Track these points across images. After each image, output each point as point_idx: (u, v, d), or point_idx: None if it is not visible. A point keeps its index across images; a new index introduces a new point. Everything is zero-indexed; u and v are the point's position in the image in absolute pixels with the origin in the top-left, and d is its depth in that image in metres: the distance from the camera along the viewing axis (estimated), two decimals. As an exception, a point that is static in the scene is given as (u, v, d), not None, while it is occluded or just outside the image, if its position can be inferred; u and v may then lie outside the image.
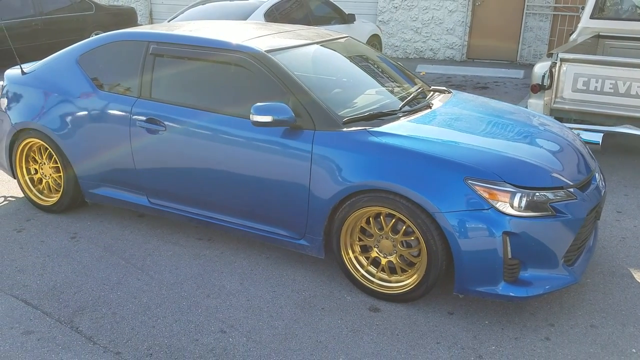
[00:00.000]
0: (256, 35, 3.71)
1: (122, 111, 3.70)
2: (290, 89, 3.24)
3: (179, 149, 3.52)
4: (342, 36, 4.23)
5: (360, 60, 4.02)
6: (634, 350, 2.78)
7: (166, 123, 3.54)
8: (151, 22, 15.07)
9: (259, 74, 3.33)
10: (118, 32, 3.88)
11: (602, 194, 3.26)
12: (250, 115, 3.10)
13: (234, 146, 3.34)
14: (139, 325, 2.91)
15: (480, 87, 9.11)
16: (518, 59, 11.47)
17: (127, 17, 12.22)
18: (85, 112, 3.84)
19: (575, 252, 3.05)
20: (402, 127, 3.20)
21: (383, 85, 3.83)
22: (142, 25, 12.57)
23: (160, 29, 3.89)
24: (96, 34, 11.47)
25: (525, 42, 11.34)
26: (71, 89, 3.92)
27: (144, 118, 3.62)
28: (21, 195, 4.59)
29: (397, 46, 12.34)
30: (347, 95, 3.54)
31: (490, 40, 11.63)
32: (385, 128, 3.16)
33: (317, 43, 3.87)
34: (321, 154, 3.11)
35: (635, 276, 3.44)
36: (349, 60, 3.94)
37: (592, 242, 3.37)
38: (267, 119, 3.08)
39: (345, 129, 3.13)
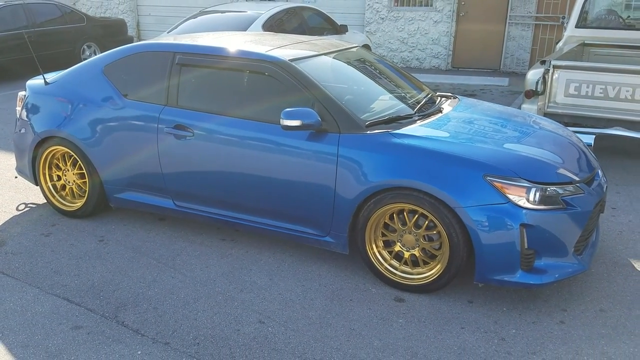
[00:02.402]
0: (277, 45, 3.92)
1: (149, 118, 3.87)
2: (315, 95, 3.46)
3: (207, 153, 3.70)
4: (353, 46, 4.47)
5: (371, 68, 4.26)
6: (640, 330, 3.04)
7: (194, 129, 3.73)
8: (138, 33, 15.18)
9: (285, 81, 3.55)
10: (143, 44, 4.06)
11: (605, 189, 3.54)
12: (280, 120, 3.31)
13: (261, 150, 3.54)
14: (182, 319, 3.08)
15: (467, 95, 9.43)
16: (501, 67, 11.86)
17: (118, 29, 12.33)
18: (112, 120, 4.00)
19: (584, 242, 3.31)
20: (420, 130, 3.44)
21: (395, 92, 4.06)
22: (132, 36, 12.71)
23: (184, 40, 4.08)
24: (88, 46, 11.57)
25: (508, 51, 11.73)
26: (97, 98, 4.08)
27: (171, 125, 3.80)
28: (41, 201, 4.71)
29: (384, 56, 12.65)
30: (364, 101, 3.76)
31: (474, 49, 12.01)
32: (405, 130, 3.39)
33: (332, 52, 4.10)
34: (346, 156, 3.33)
35: (636, 265, 3.71)
36: (362, 69, 4.17)
37: (596, 235, 3.64)
38: (296, 123, 3.29)
39: (368, 132, 3.36)
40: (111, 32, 12.11)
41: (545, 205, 3.06)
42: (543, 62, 5.64)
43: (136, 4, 15.10)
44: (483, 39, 11.86)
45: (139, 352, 2.80)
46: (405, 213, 3.28)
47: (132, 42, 12.97)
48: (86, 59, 11.50)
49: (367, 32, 12.58)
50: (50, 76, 4.49)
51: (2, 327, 3.00)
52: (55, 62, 10.79)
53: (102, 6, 15.43)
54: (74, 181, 4.36)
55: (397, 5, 12.34)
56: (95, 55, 11.63)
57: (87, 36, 11.53)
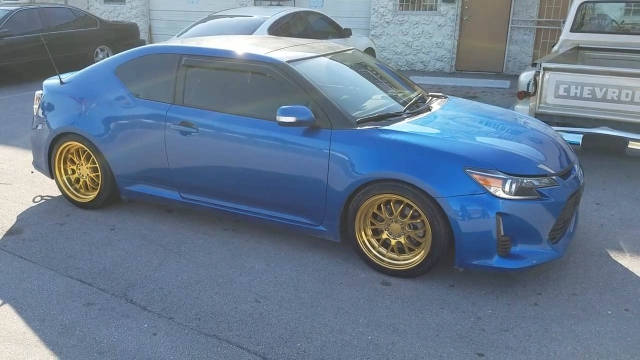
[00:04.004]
0: (276, 47, 4.20)
1: (157, 116, 4.17)
2: (310, 94, 3.73)
3: (210, 148, 3.99)
4: (349, 48, 4.74)
5: (365, 69, 4.53)
6: (609, 312, 3.27)
7: (198, 126, 4.01)
8: (150, 37, 15.56)
9: (282, 81, 3.83)
10: (152, 46, 4.37)
11: (581, 182, 3.78)
12: (277, 116, 3.59)
13: (260, 145, 3.82)
14: (185, 297, 3.36)
15: (469, 97, 9.67)
16: (504, 70, 12.07)
17: (130, 33, 12.70)
18: (123, 117, 4.30)
19: (559, 231, 3.55)
20: (407, 126, 3.70)
21: (387, 91, 4.33)
22: (144, 39, 13.07)
23: (190, 43, 4.38)
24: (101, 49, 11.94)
25: (511, 55, 11.95)
26: (110, 97, 4.39)
27: (177, 122, 4.09)
28: (55, 194, 5.02)
29: (389, 59, 12.91)
30: (357, 100, 4.03)
31: (477, 52, 12.24)
32: (393, 127, 3.66)
33: (328, 54, 4.37)
34: (338, 150, 3.60)
35: (611, 255, 3.94)
36: (356, 69, 4.44)
37: (573, 226, 3.88)
38: (291, 119, 3.57)
39: (358, 128, 3.63)
40: (124, 36, 12.48)
41: (520, 195, 3.31)
42: (534, 65, 5.88)
43: (148, 8, 15.48)
44: (486, 43, 12.09)
45: (146, 326, 3.09)
46: (391, 203, 3.54)
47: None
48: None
49: (373, 35, 12.85)
50: (66, 76, 4.80)
51: (21, 303, 3.30)
52: (69, 64, 11.17)
53: (114, 10, 15.83)
54: (87, 174, 4.66)
55: (402, 10, 12.60)
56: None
57: (101, 40, 11.91)
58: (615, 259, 3.89)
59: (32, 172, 5.61)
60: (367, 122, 3.70)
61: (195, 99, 4.11)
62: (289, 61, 3.93)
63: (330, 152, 3.61)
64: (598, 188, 5.26)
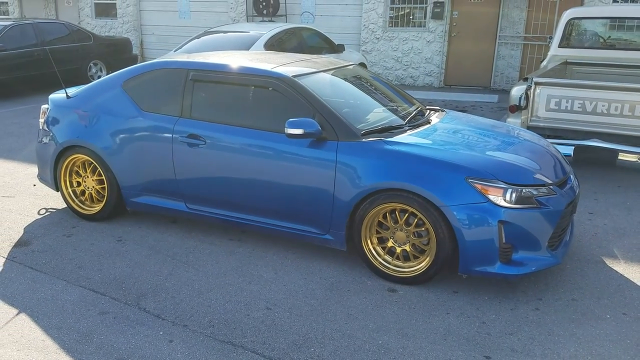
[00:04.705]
0: (281, 63, 4.33)
1: (165, 129, 4.26)
2: (316, 107, 3.86)
3: (218, 160, 4.09)
4: (349, 64, 4.89)
5: (366, 83, 4.67)
6: (608, 316, 3.41)
7: (206, 138, 4.12)
8: (142, 51, 15.65)
9: (288, 95, 3.95)
10: (159, 62, 4.47)
11: (577, 192, 3.93)
12: (285, 129, 3.70)
13: (267, 157, 3.92)
14: (197, 306, 3.44)
15: (459, 111, 9.87)
16: (492, 84, 12.33)
17: (123, 47, 12.79)
18: (130, 131, 4.39)
19: (557, 239, 3.69)
20: (410, 138, 3.84)
21: (388, 105, 4.47)
22: (136, 54, 13.16)
23: (197, 58, 4.49)
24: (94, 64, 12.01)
25: (498, 70, 12.22)
26: (117, 111, 4.48)
27: (185, 134, 4.19)
28: (60, 206, 5.07)
29: (379, 74, 13.12)
30: (360, 113, 4.16)
31: (465, 68, 12.49)
32: (397, 139, 3.79)
33: (331, 69, 4.51)
34: (344, 161, 3.72)
35: (607, 262, 4.09)
36: (357, 84, 4.58)
37: (570, 235, 4.03)
38: (299, 131, 3.69)
39: (363, 140, 3.75)
40: (117, 51, 12.56)
41: (520, 204, 3.45)
42: (526, 79, 6.08)
43: (139, 23, 15.59)
44: (474, 58, 12.35)
45: (161, 333, 3.16)
46: (397, 212, 3.66)
47: (137, 60, 13.44)
48: (92, 76, 11.96)
49: (363, 51, 13.07)
50: (71, 91, 4.88)
51: (37, 312, 3.36)
52: (63, 79, 11.22)
53: (106, 25, 15.92)
54: (93, 187, 4.73)
55: (392, 26, 12.85)
56: (102, 72, 12.10)
57: (94, 54, 11.98)
58: (610, 265, 4.04)
59: (35, 185, 5.66)
60: (372, 134, 3.83)
61: (202, 112, 4.21)
62: (294, 76, 4.06)
63: (337, 163, 3.73)
64: (590, 198, 5.43)
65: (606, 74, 7.19)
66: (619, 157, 6.46)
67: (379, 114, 4.24)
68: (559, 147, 5.69)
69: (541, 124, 5.94)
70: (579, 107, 5.72)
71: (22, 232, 4.53)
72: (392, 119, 4.19)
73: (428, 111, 4.70)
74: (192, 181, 4.26)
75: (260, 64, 4.21)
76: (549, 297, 3.61)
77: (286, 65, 4.30)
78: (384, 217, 3.73)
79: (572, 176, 4.02)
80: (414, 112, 4.45)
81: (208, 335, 3.14)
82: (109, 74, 12.13)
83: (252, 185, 4.03)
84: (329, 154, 3.76)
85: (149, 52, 15.63)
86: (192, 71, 4.29)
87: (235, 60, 4.37)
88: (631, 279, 3.83)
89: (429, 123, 4.29)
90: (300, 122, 3.71)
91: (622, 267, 4.00)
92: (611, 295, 3.63)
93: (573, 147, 5.67)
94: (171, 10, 15.03)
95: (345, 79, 4.54)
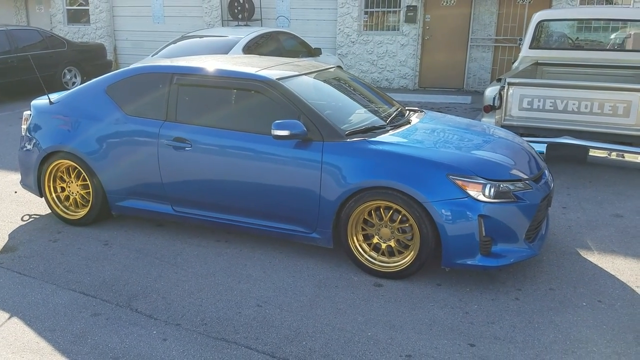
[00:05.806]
0: (265, 66, 4.42)
1: (150, 132, 4.32)
2: (301, 109, 3.96)
3: (204, 162, 4.16)
4: (331, 66, 5.00)
5: (347, 86, 4.79)
6: (584, 303, 3.57)
7: (192, 141, 4.18)
8: (116, 57, 15.56)
9: (273, 97, 4.04)
10: (143, 66, 4.52)
11: (551, 187, 4.10)
12: (272, 130, 3.79)
13: (253, 159, 4.01)
14: (189, 305, 3.50)
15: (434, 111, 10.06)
16: (464, 86, 12.59)
17: (97, 53, 12.71)
18: (115, 135, 4.43)
19: (534, 231, 3.85)
20: (392, 138, 3.96)
21: (369, 106, 4.60)
22: (111, 60, 13.09)
23: (180, 62, 4.56)
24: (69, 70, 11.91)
25: (470, 72, 12.49)
26: (101, 115, 4.51)
27: (171, 138, 4.25)
28: (43, 212, 5.07)
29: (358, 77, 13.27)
30: (343, 114, 4.27)
31: (439, 70, 12.74)
32: (380, 138, 3.92)
33: (313, 72, 4.62)
34: (330, 161, 3.82)
35: (581, 253, 4.27)
36: (339, 86, 4.70)
37: (546, 228, 4.19)
38: (285, 132, 3.78)
39: (348, 140, 3.87)
40: (91, 57, 12.48)
41: (499, 199, 3.60)
42: (499, 80, 6.28)
43: (113, 29, 15.50)
44: (447, 61, 12.60)
45: (154, 332, 3.22)
46: (381, 209, 3.78)
47: (112, 66, 13.37)
48: (67, 82, 11.87)
49: (339, 54, 13.21)
50: (54, 96, 4.89)
51: (29, 316, 3.39)
52: (37, 86, 11.11)
53: (79, 31, 15.79)
54: (78, 192, 4.75)
55: (367, 30, 13.03)
56: (76, 78, 12.00)
57: (68, 60, 11.89)
58: (584, 256, 4.22)
59: (16, 192, 5.64)
60: (356, 135, 3.95)
61: (188, 115, 4.28)
62: (279, 78, 4.15)
63: (323, 163, 3.83)
64: (563, 193, 5.64)
65: (576, 73, 7.45)
66: (590, 154, 6.71)
67: (361, 115, 4.35)
68: (533, 145, 5.89)
69: (515, 123, 6.14)
70: (550, 106, 5.93)
71: (7, 238, 4.53)
72: (374, 119, 4.31)
73: (408, 112, 4.85)
74: (178, 184, 4.32)
75: (245, 67, 4.30)
76: (528, 287, 3.77)
77: (270, 68, 4.39)
78: (369, 214, 3.84)
79: (546, 171, 4.20)
80: (394, 113, 4.58)
81: (201, 333, 3.21)
82: (84, 80, 12.10)
83: (239, 187, 4.11)
84: (314, 154, 3.87)
85: (124, 58, 15.54)
86: (177, 75, 4.36)
87: (219, 64, 4.44)
88: (604, 269, 4.01)
89: (410, 123, 4.42)
90: (286, 123, 3.80)
91: (595, 258, 4.19)
92: (586, 284, 3.80)
93: (546, 145, 5.88)
94: (145, 16, 14.99)
95: (327, 82, 4.65)
